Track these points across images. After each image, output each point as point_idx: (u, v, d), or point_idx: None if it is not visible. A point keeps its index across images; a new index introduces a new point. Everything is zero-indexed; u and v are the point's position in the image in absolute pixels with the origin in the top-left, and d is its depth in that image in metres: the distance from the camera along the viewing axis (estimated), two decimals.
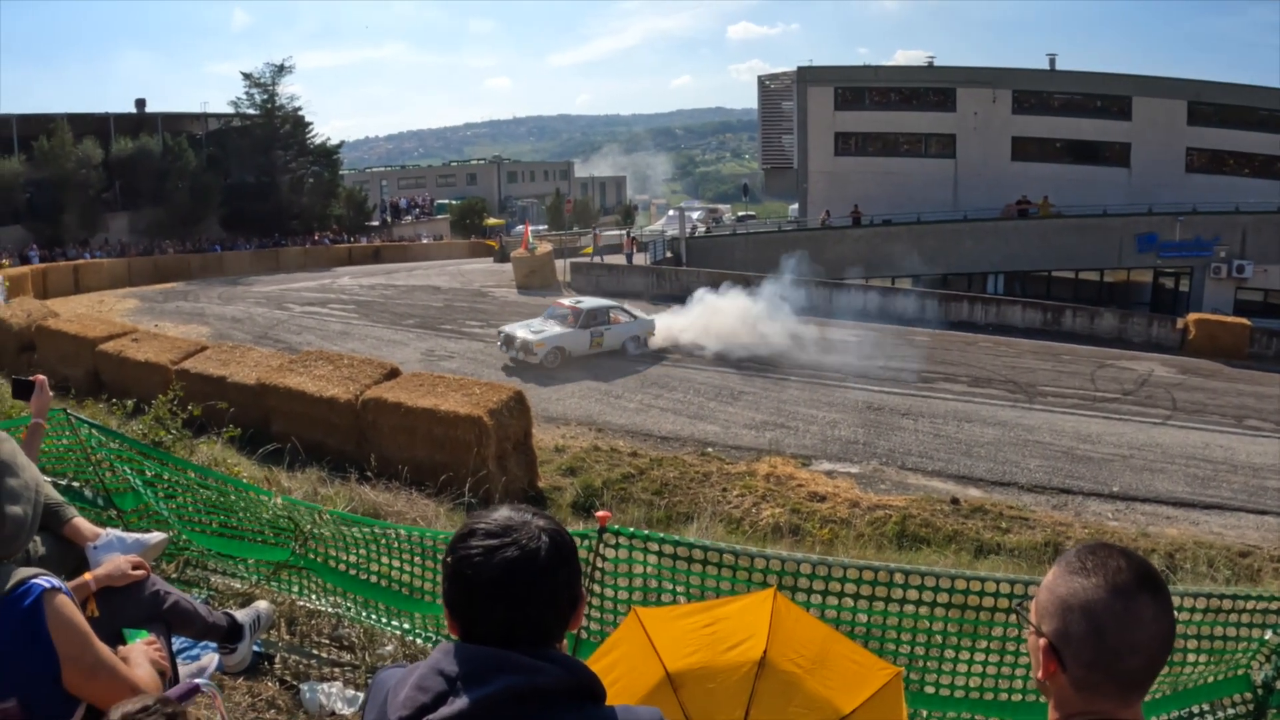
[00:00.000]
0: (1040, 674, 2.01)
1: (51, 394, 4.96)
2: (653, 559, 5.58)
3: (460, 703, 1.93)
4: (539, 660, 2.01)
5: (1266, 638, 5.48)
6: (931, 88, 55.14)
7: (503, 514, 2.11)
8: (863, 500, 18.02)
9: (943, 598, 5.45)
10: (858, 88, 56.33)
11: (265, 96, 63.58)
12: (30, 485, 3.16)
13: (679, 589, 5.55)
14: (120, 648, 3.36)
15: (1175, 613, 2.10)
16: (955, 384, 27.13)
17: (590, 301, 30.66)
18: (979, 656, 5.45)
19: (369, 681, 5.99)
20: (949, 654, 5.48)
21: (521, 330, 28.30)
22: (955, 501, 17.86)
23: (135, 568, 4.18)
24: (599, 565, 5.50)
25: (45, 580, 2.97)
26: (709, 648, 3.80)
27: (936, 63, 57.34)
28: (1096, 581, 1.96)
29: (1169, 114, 50.67)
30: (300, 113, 65.41)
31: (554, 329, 28.42)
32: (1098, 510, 18.14)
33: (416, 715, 1.96)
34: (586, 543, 5.44)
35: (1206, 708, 5.64)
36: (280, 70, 63.54)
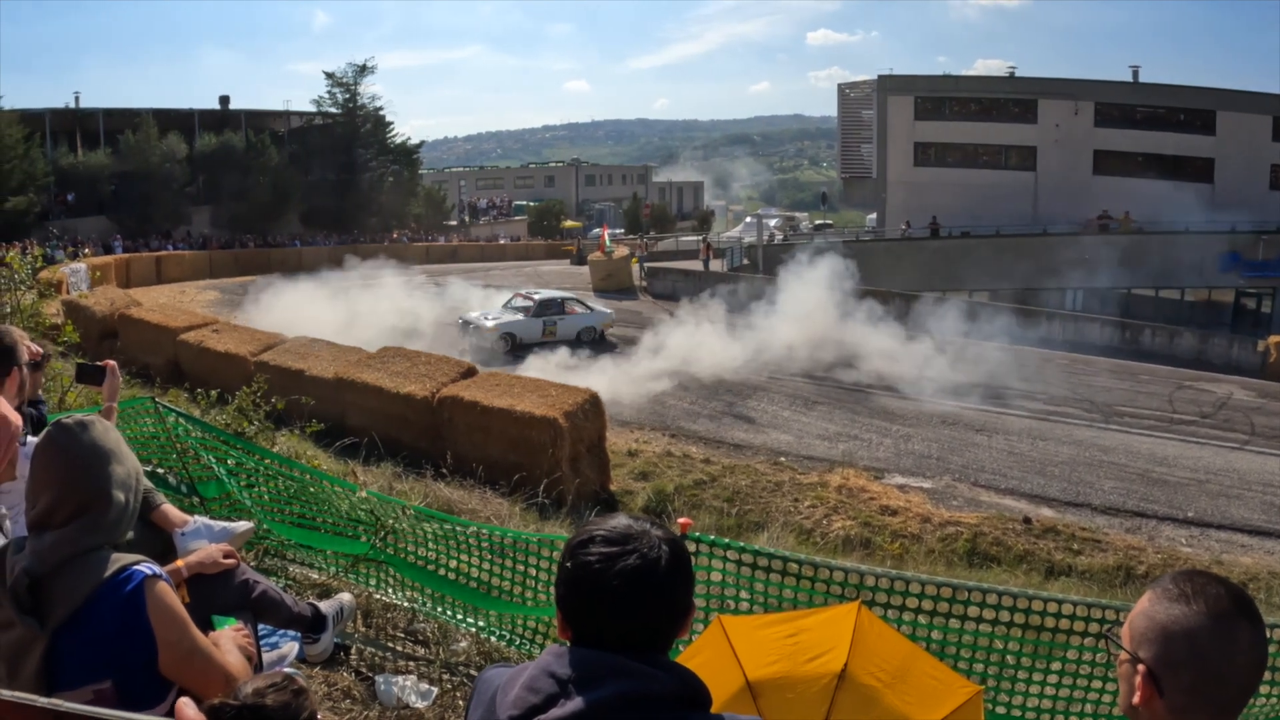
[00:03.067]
0: (1137, 700, 1.99)
1: (121, 380, 5.06)
2: (730, 566, 5.60)
3: (571, 705, 1.94)
4: (650, 666, 2.01)
5: None
6: (1012, 99, 54.66)
7: (622, 522, 2.12)
8: (934, 516, 17.82)
9: (1018, 618, 5.42)
10: (938, 98, 56.02)
11: (347, 96, 64.53)
12: (132, 473, 3.22)
13: (755, 597, 5.57)
14: (210, 633, 3.42)
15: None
16: (1031, 401, 26.80)
17: (546, 292, 31.93)
18: (1051, 678, 5.41)
19: (443, 676, 6.06)
20: (1021, 674, 5.45)
21: (477, 316, 29.88)
22: (1027, 521, 17.61)
23: (226, 556, 4.26)
24: None
25: (146, 567, 3.03)
26: (790, 658, 3.81)
27: (1018, 73, 56.83)
28: (1198, 609, 1.95)
29: (1253, 129, 49.77)
30: (381, 112, 66.41)
31: (508, 316, 29.76)
32: (1171, 535, 17.78)
33: (527, 716, 1.98)
34: None
35: None
36: (362, 70, 64.57)
